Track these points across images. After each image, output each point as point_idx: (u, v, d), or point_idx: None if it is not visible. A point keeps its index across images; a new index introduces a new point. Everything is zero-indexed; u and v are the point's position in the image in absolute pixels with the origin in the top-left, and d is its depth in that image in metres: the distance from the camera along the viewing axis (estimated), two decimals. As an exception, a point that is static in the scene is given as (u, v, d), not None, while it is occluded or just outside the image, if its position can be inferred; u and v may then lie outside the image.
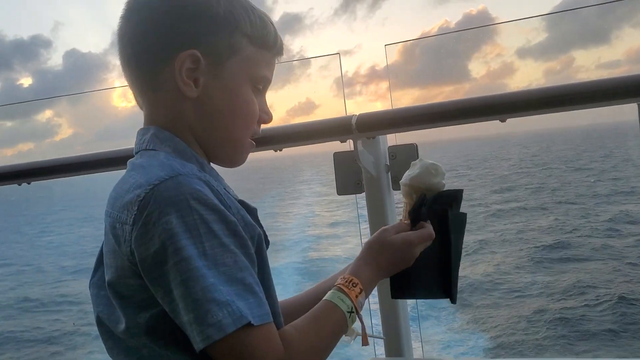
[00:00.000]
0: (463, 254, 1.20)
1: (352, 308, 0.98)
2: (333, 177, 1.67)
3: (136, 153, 1.02)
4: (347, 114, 1.57)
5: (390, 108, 1.60)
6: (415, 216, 1.13)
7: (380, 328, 1.62)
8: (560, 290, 15.89)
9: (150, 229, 0.84)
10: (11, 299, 20.16)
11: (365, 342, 1.05)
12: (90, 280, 1.05)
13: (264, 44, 1.05)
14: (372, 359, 1.61)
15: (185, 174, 0.89)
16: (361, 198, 1.66)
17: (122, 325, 0.92)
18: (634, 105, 1.37)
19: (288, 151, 1.69)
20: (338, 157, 1.66)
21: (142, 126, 1.05)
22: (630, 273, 16.89)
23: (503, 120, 1.43)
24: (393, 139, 1.64)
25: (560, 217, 26.52)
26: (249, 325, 0.82)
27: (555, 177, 41.87)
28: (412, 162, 1.20)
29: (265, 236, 1.00)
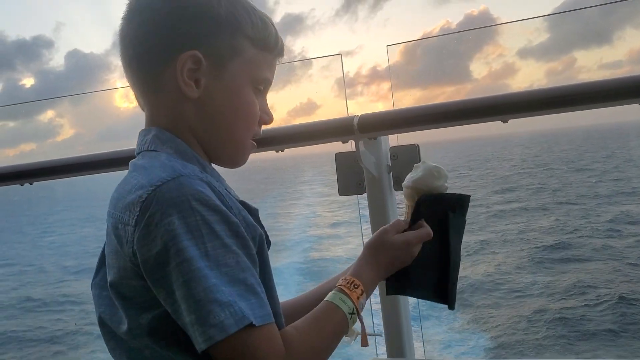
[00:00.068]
0: (464, 254, 1.20)
1: (353, 309, 0.98)
2: (334, 177, 1.67)
3: (138, 154, 1.02)
4: (349, 115, 1.57)
5: (392, 109, 1.60)
6: (415, 216, 1.14)
7: (381, 327, 1.62)
8: (560, 290, 15.89)
9: (152, 230, 0.84)
10: (13, 298, 20.19)
11: (365, 343, 1.05)
12: (93, 281, 1.05)
13: (265, 45, 1.05)
14: (373, 359, 1.61)
15: (187, 175, 0.89)
16: (363, 198, 1.66)
17: (125, 326, 0.92)
18: (636, 106, 1.36)
19: (290, 152, 1.69)
20: (340, 157, 1.66)
21: (143, 127, 1.05)
22: (630, 273, 16.89)
23: (505, 121, 1.43)
24: (394, 139, 1.64)
25: (561, 217, 26.51)
26: (251, 325, 0.82)
27: (557, 177, 41.84)
28: (415, 165, 1.20)
29: (267, 237, 1.00)
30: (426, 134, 1.58)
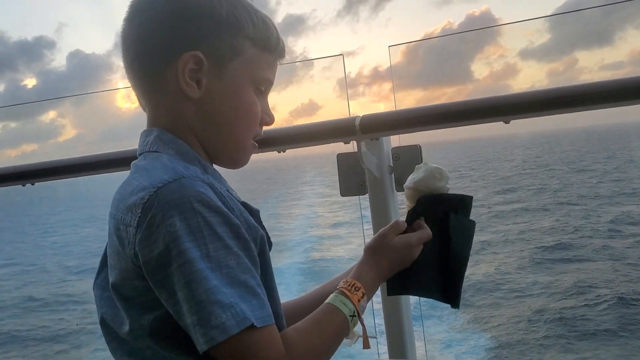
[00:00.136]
0: None
1: (354, 312, 0.98)
2: (336, 178, 1.67)
3: (139, 155, 1.02)
4: (351, 115, 1.57)
5: (394, 109, 1.60)
6: (412, 216, 1.14)
7: (383, 327, 1.62)
8: (560, 290, 15.90)
9: (154, 231, 0.84)
10: (16, 298, 20.24)
11: (366, 346, 1.05)
12: (95, 282, 1.05)
13: (266, 46, 1.05)
14: (375, 359, 1.61)
15: (189, 176, 0.89)
16: (364, 199, 1.66)
17: (126, 327, 0.92)
18: (638, 107, 1.36)
19: (291, 152, 1.69)
20: (341, 158, 1.66)
21: (145, 127, 1.05)
22: (630, 273, 16.89)
23: (507, 122, 1.43)
24: (396, 140, 1.64)
25: (561, 218, 26.51)
26: (252, 327, 0.82)
27: (558, 178, 41.83)
28: (417, 166, 1.20)
29: (268, 238, 1.00)
30: (428, 135, 1.58)
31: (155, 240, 0.84)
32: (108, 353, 1.00)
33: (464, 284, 1.18)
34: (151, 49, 1.00)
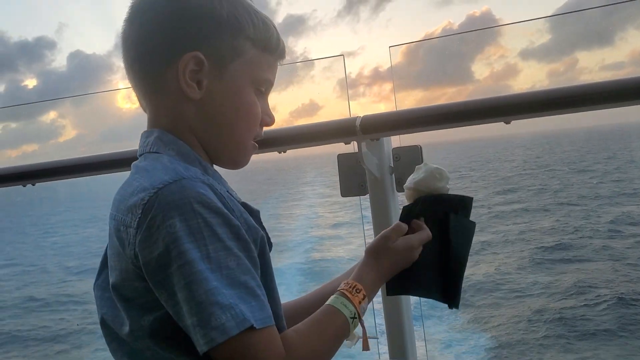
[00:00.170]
0: None
1: (354, 314, 0.98)
2: (336, 178, 1.67)
3: (140, 155, 1.02)
4: (351, 116, 1.57)
5: (395, 109, 1.60)
6: (408, 214, 1.14)
7: (383, 327, 1.62)
8: (560, 290, 15.91)
9: (154, 232, 0.84)
10: (17, 298, 20.25)
11: (366, 347, 1.05)
12: (95, 282, 1.05)
13: (266, 47, 1.05)
14: None
15: (189, 177, 0.89)
16: (365, 199, 1.66)
17: (126, 328, 0.92)
18: (638, 107, 1.36)
19: (292, 153, 1.69)
20: (342, 158, 1.66)
21: (145, 128, 1.05)
22: (630, 273, 16.90)
23: (508, 122, 1.43)
24: (397, 140, 1.64)
25: (562, 218, 26.51)
26: (252, 328, 0.82)
27: (558, 178, 41.83)
28: (417, 166, 1.20)
29: (268, 239, 1.00)
30: (428, 135, 1.58)
31: (155, 241, 0.84)
32: (109, 353, 1.00)
33: (463, 285, 1.18)
34: (152, 49, 1.00)
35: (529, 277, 17.60)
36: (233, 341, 0.81)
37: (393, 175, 1.61)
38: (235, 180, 1.12)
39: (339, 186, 1.67)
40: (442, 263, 1.16)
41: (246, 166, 1.11)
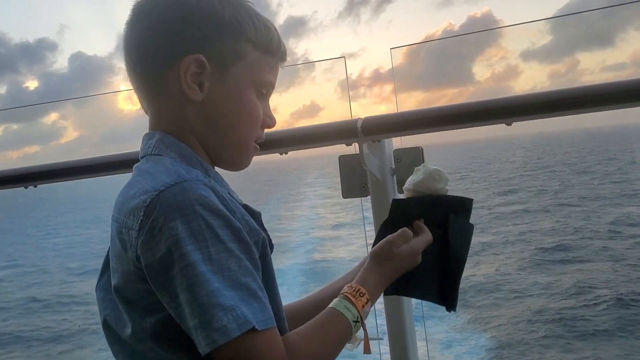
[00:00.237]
0: None
1: (357, 317, 0.99)
2: (337, 179, 1.67)
3: (142, 157, 1.02)
4: (353, 117, 1.57)
5: (396, 111, 1.60)
6: (400, 215, 1.14)
7: (384, 328, 1.62)
8: (560, 291, 15.92)
9: (156, 234, 0.84)
10: (20, 299, 20.27)
11: (367, 351, 1.05)
12: (97, 284, 1.05)
13: (268, 49, 1.05)
14: None
15: (191, 179, 0.89)
16: (366, 201, 1.66)
17: (129, 330, 0.93)
18: (639, 109, 1.36)
19: (293, 154, 1.69)
20: (343, 160, 1.66)
21: (147, 130, 1.05)
22: (629, 274, 16.90)
23: (509, 124, 1.43)
24: (398, 141, 1.64)
25: (562, 219, 26.51)
26: (253, 330, 0.82)
27: (559, 179, 41.81)
28: (416, 168, 1.21)
29: (270, 240, 1.00)
30: (429, 136, 1.58)
31: (157, 243, 0.84)
32: (111, 353, 1.00)
33: (463, 285, 1.18)
34: (153, 52, 1.00)
35: (529, 278, 17.61)
36: (235, 343, 0.81)
37: (394, 176, 1.61)
38: (237, 182, 1.12)
39: (340, 187, 1.67)
40: (441, 265, 1.16)
41: (247, 167, 1.11)
